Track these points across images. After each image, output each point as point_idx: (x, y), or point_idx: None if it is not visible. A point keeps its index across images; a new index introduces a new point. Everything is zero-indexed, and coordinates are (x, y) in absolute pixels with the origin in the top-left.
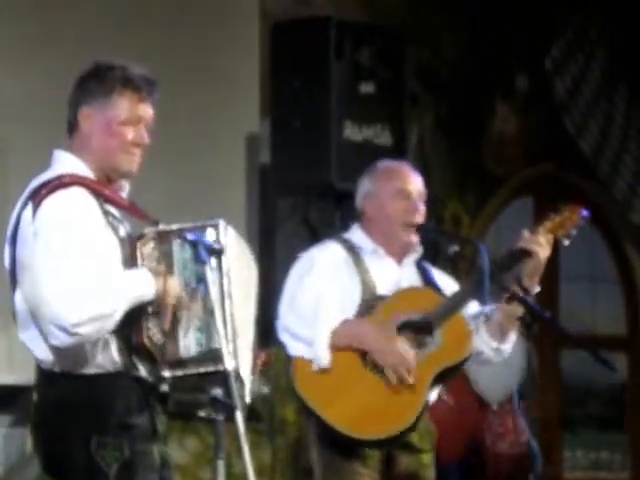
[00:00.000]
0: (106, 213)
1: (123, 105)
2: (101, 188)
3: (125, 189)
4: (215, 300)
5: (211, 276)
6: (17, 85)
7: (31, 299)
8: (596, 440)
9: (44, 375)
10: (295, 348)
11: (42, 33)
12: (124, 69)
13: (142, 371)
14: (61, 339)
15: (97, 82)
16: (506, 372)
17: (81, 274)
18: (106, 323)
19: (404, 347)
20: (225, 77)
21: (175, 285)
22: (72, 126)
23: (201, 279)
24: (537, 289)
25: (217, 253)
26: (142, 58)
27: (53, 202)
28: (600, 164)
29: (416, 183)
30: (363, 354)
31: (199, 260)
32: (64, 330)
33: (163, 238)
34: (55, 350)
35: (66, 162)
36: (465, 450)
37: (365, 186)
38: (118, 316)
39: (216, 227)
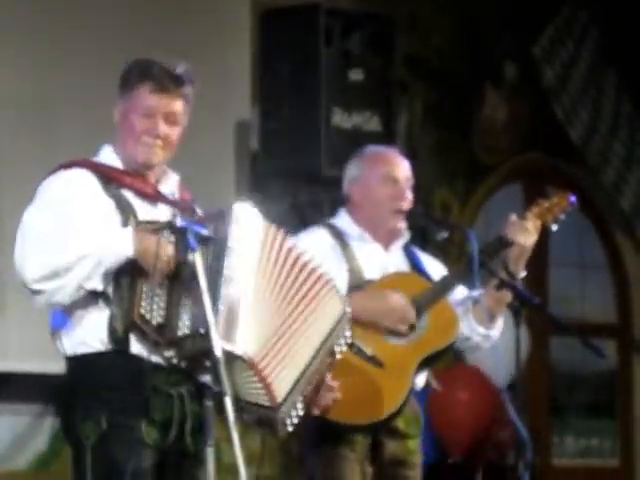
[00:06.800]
0: (114, 196)
1: (139, 96)
2: (112, 172)
3: (168, 179)
4: (205, 284)
5: (204, 261)
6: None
7: None
8: (586, 427)
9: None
10: None
11: (33, 35)
12: (148, 62)
13: (135, 349)
14: (33, 299)
15: (125, 75)
16: (505, 360)
17: (42, 233)
18: (67, 278)
19: (396, 299)
20: (215, 65)
21: (167, 247)
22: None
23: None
24: (523, 273)
25: (206, 240)
26: (131, 46)
27: (48, 179)
28: (589, 151)
29: (403, 169)
30: None
31: (187, 247)
32: (28, 288)
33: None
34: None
35: (100, 152)
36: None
37: (352, 171)
38: (81, 271)
39: (222, 216)
